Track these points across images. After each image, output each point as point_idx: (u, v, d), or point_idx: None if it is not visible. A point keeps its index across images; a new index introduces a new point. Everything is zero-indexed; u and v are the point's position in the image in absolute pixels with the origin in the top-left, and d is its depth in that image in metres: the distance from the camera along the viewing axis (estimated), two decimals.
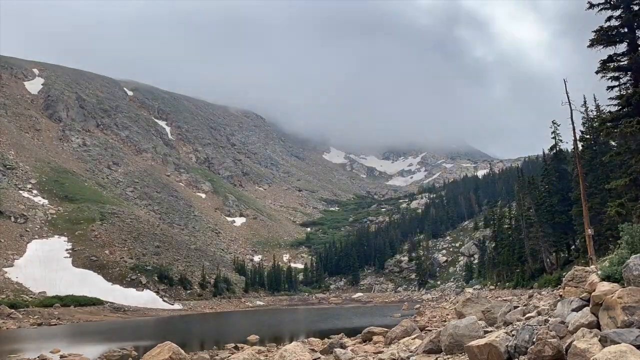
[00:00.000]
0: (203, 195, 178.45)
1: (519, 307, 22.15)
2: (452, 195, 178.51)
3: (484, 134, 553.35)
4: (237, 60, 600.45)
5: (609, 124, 27.37)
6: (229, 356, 25.13)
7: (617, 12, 25.37)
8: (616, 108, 26.80)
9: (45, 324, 65.51)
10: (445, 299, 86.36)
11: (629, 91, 25.54)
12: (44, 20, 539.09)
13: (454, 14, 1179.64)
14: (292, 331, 49.95)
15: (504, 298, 40.78)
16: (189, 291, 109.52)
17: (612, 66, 26.07)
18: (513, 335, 11.91)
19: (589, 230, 29.73)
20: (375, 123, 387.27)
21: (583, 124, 45.88)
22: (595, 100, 45.41)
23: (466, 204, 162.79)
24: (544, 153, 64.14)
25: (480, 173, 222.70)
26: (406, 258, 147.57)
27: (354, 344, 23.47)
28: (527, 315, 16.23)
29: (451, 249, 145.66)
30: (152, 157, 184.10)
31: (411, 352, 16.94)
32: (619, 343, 8.49)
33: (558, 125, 56.15)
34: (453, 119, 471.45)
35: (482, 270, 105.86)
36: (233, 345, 31.87)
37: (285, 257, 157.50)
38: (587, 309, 10.46)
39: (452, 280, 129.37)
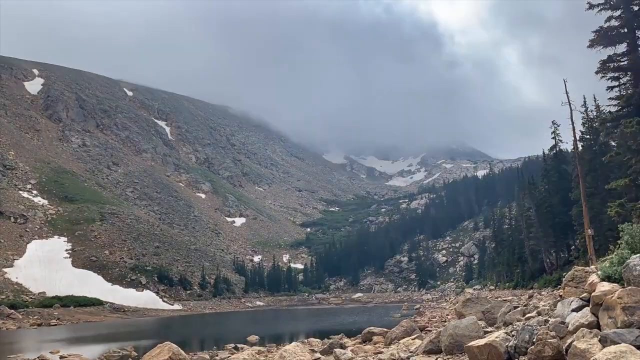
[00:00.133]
0: (203, 196, 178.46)
1: (518, 307, 22.17)
2: (452, 195, 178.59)
3: (484, 134, 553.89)
4: (238, 60, 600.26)
5: (609, 124, 27.39)
6: (229, 356, 25.11)
7: (617, 13, 25.38)
8: (616, 108, 26.80)
9: (45, 324, 65.51)
10: (445, 300, 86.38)
11: (629, 91, 25.55)
12: (44, 20, 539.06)
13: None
14: (292, 331, 49.94)
15: (504, 298, 40.77)
16: (188, 291, 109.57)
17: (612, 66, 26.08)
18: (513, 336, 11.91)
19: (589, 230, 29.73)
20: (375, 123, 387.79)
21: (583, 124, 45.84)
22: (595, 100, 45.42)
23: (466, 204, 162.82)
24: (544, 153, 64.12)
25: (480, 173, 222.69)
26: (406, 258, 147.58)
27: (354, 344, 23.45)
28: (527, 316, 16.24)
29: (451, 249, 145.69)
30: (152, 157, 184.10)
31: (411, 352, 16.94)
32: (619, 343, 8.48)
33: (558, 126, 56.18)
34: (453, 119, 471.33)
35: (482, 270, 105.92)
36: (233, 345, 31.85)
37: (285, 258, 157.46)
38: (587, 309, 10.45)
39: (452, 280, 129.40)
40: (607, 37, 25.63)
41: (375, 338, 24.56)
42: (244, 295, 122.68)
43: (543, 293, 40.25)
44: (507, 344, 11.55)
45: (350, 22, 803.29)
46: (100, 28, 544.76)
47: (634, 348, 8.20)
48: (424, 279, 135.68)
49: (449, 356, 14.60)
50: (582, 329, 9.93)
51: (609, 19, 25.57)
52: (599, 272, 11.25)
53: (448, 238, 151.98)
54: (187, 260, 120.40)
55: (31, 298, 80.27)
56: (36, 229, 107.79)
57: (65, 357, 31.13)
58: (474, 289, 79.07)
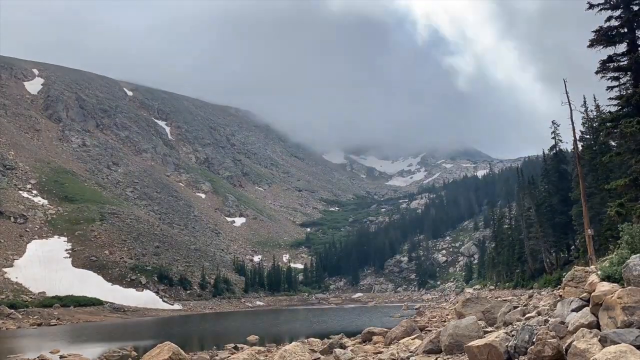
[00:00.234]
0: (203, 196, 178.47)
1: (518, 307, 22.18)
2: (452, 195, 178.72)
3: (484, 134, 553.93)
4: (237, 61, 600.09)
5: (609, 124, 27.34)
6: (229, 356, 25.12)
7: (617, 12, 25.34)
8: (616, 108, 26.77)
9: (45, 324, 65.51)
10: (445, 299, 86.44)
11: (628, 91, 25.51)
12: (44, 20, 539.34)
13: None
14: (291, 331, 49.92)
15: (504, 298, 40.77)
16: (188, 291, 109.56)
17: (612, 66, 26.04)
18: (513, 336, 11.91)
19: (589, 230, 29.72)
20: (375, 123, 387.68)
21: (583, 124, 45.83)
22: (595, 100, 45.39)
23: (466, 204, 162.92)
24: (544, 153, 64.04)
25: (480, 173, 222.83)
26: (406, 258, 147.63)
27: (354, 344, 23.46)
28: (527, 316, 16.25)
29: (451, 249, 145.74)
30: (152, 157, 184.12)
31: (411, 352, 16.93)
32: (619, 343, 8.48)
33: (558, 126, 56.16)
34: (453, 119, 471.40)
35: (482, 270, 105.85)
36: (233, 345, 31.87)
37: (285, 258, 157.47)
38: (587, 309, 10.45)
39: (452, 280, 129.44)
40: (607, 37, 25.60)
41: (375, 338, 24.57)
42: (244, 295, 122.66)
43: (543, 293, 40.23)
44: (507, 343, 11.55)
45: (350, 21, 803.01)
46: (100, 28, 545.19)
47: (633, 348, 8.19)
48: (424, 279, 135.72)
49: (448, 356, 14.60)
50: (582, 328, 9.92)
51: (609, 18, 25.54)
52: (599, 272, 11.26)
53: (448, 238, 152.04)
54: (187, 260, 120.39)
55: (31, 298, 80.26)
56: (36, 228, 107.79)
57: (65, 357, 31.14)
58: (473, 289, 79.06)
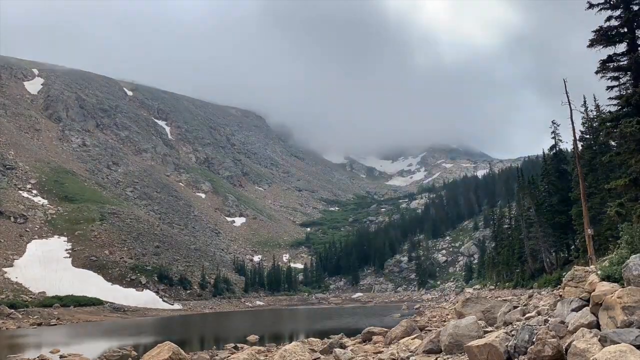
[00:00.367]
0: (203, 195, 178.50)
1: (518, 307, 22.16)
2: (452, 195, 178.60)
3: (484, 134, 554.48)
4: (237, 61, 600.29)
5: (609, 124, 27.32)
6: (229, 356, 25.12)
7: (617, 12, 25.32)
8: (616, 108, 26.74)
9: (45, 324, 65.50)
10: (445, 299, 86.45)
11: (628, 91, 25.49)
12: (44, 20, 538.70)
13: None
14: (291, 331, 49.95)
15: (504, 298, 40.75)
16: (188, 291, 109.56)
17: (611, 66, 26.02)
18: (513, 335, 11.91)
19: (589, 230, 29.70)
20: (375, 123, 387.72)
21: (583, 124, 45.79)
22: (595, 100, 45.37)
23: (466, 204, 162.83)
24: (544, 153, 64.00)
25: (480, 173, 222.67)
26: (406, 258, 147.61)
27: (354, 344, 23.45)
28: (526, 315, 16.25)
29: (451, 249, 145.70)
30: (152, 157, 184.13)
31: (411, 352, 16.93)
32: (619, 343, 8.48)
33: (558, 125, 56.12)
34: (453, 119, 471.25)
35: (481, 270, 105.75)
36: (233, 345, 31.88)
37: (285, 257, 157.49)
38: (586, 309, 10.45)
39: (451, 280, 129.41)
40: (607, 37, 25.58)
41: (375, 338, 24.58)
42: (243, 295, 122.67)
43: (543, 293, 40.20)
44: (507, 343, 11.55)
45: (351, 21, 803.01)
46: (100, 28, 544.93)
47: (633, 348, 8.19)
48: (424, 279, 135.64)
49: (448, 356, 14.60)
50: (582, 328, 9.92)
51: (608, 18, 25.52)
52: (599, 272, 11.27)
53: (448, 238, 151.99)
54: (187, 260, 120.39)
55: (31, 298, 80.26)
56: (36, 228, 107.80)
57: (65, 357, 31.14)
58: (473, 289, 79.09)
